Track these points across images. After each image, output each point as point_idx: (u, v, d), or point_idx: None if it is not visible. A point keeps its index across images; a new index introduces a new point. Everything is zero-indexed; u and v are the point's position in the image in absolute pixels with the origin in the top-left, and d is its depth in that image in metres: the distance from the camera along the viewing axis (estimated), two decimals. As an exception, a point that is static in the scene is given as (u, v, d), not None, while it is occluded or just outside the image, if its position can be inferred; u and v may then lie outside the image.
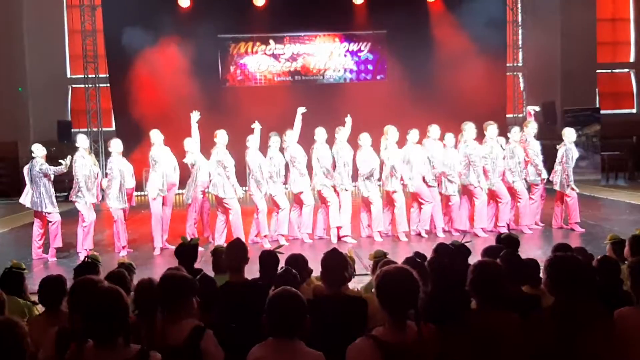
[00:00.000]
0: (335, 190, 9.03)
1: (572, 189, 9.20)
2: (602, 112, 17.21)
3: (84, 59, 16.10)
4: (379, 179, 9.17)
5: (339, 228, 9.00)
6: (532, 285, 3.95)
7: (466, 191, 9.26)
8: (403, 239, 8.94)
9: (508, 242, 4.68)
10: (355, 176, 9.15)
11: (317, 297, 3.44)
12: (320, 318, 2.85)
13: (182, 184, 9.29)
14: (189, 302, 3.06)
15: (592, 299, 2.88)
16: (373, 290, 2.75)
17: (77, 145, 8.63)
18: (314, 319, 2.67)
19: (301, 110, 9.05)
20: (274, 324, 2.62)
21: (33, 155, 8.51)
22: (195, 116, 8.82)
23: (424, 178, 9.15)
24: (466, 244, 4.46)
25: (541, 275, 4.09)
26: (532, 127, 9.50)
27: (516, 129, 9.50)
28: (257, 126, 8.98)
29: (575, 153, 9.32)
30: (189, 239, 4.71)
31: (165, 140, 9.01)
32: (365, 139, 8.95)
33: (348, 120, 9.12)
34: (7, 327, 2.38)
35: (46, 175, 8.38)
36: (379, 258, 4.37)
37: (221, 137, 8.72)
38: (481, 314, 2.92)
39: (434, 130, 9.34)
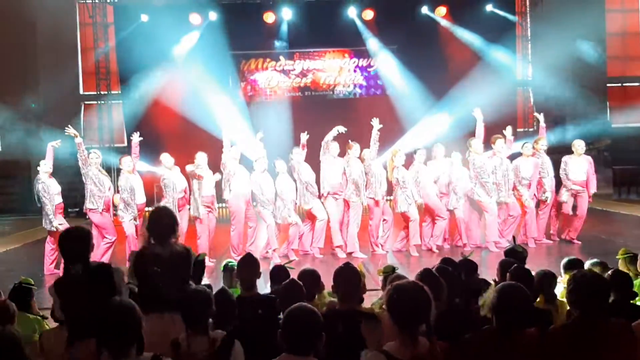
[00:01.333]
0: (347, 204, 9.05)
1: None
2: (613, 126, 17.14)
3: (97, 76, 16.27)
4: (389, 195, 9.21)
5: (339, 246, 9.01)
6: (547, 299, 3.93)
7: (476, 206, 9.24)
8: (414, 254, 8.92)
9: (515, 256, 4.66)
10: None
11: (330, 312, 3.43)
12: (332, 333, 2.84)
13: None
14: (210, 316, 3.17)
15: (614, 314, 2.87)
16: (383, 306, 2.75)
17: (90, 160, 8.68)
18: (326, 334, 2.67)
19: (305, 136, 9.10)
20: (290, 340, 2.61)
21: (38, 169, 8.62)
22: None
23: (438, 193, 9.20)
24: (468, 258, 4.46)
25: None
26: (542, 143, 9.49)
27: (528, 144, 9.51)
28: (259, 135, 9.16)
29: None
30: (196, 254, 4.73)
31: (176, 155, 9.07)
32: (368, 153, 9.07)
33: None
34: (4, 338, 2.43)
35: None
36: (388, 273, 4.36)
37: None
38: (500, 334, 2.87)
39: (439, 149, 9.39)
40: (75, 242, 3.53)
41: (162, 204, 8.87)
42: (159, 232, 3.71)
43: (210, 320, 3.34)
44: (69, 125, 8.60)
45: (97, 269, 3.45)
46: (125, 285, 3.57)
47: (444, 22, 15.37)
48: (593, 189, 9.40)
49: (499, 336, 2.84)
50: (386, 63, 15.41)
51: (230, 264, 5.01)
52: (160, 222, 3.75)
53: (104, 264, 3.59)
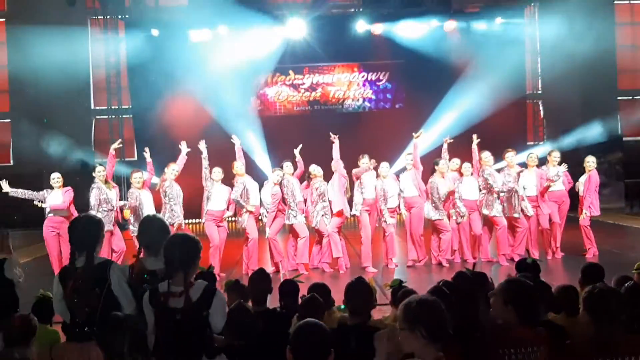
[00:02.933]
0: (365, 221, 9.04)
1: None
2: (624, 139, 17.06)
3: (108, 90, 16.44)
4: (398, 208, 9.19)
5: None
6: (569, 314, 3.87)
7: (486, 220, 9.18)
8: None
9: (528, 269, 4.60)
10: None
11: (341, 327, 3.41)
12: (343, 348, 2.83)
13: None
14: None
15: (631, 329, 2.85)
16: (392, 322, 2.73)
17: (93, 175, 8.79)
18: (338, 349, 2.65)
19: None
20: (299, 357, 2.59)
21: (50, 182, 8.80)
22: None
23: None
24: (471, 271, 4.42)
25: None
26: (554, 155, 9.45)
27: (533, 156, 9.47)
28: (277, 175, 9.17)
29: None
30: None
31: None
32: (385, 168, 9.04)
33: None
34: None
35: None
36: (395, 287, 4.33)
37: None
38: (510, 329, 2.89)
39: (452, 163, 9.40)
40: (81, 228, 3.50)
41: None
42: (149, 242, 3.52)
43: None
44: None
45: (98, 266, 3.41)
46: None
47: (453, 35, 15.39)
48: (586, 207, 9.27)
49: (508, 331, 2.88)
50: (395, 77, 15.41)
51: (238, 281, 4.97)
52: (149, 232, 3.57)
53: (107, 262, 3.50)
